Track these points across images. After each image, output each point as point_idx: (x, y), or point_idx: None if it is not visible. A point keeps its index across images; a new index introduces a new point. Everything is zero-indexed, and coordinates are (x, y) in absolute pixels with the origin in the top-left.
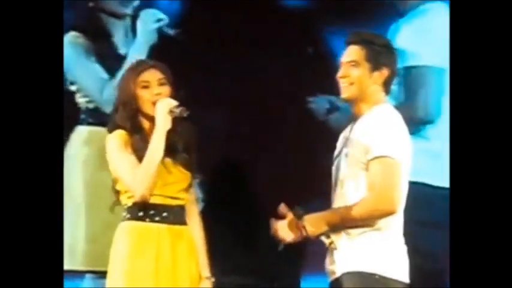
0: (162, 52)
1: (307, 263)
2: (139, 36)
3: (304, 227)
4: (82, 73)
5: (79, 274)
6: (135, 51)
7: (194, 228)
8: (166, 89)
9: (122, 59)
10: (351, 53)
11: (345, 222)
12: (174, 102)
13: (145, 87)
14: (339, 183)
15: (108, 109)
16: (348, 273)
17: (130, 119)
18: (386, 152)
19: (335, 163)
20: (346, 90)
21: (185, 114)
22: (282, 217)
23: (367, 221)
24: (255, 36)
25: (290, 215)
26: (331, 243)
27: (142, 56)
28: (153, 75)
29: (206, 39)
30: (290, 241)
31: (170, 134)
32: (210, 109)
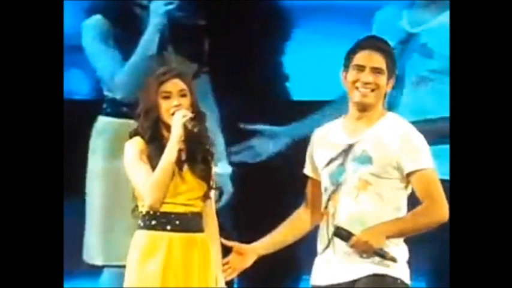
0: (173, 36)
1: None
2: (151, 19)
3: (367, 242)
4: (99, 57)
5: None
6: (147, 35)
7: (212, 237)
8: (186, 101)
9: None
10: (374, 59)
11: (402, 234)
12: (189, 115)
13: (167, 97)
14: (346, 190)
15: (118, 96)
16: (374, 275)
17: (150, 128)
18: (430, 164)
19: (331, 168)
20: (365, 95)
21: (195, 130)
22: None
23: (421, 231)
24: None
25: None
26: (392, 259)
27: (154, 39)
28: (174, 86)
29: (218, 24)
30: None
31: (190, 144)
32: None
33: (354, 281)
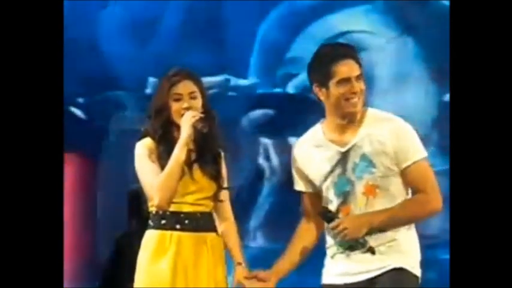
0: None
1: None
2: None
3: (345, 229)
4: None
5: None
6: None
7: (230, 235)
8: (197, 102)
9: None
10: (355, 68)
11: (392, 223)
12: (198, 116)
13: (177, 99)
14: (355, 199)
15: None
16: (393, 270)
17: (161, 128)
18: (423, 154)
19: (332, 181)
20: (355, 105)
21: (204, 130)
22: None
23: (414, 221)
24: None
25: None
26: (370, 249)
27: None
28: (185, 88)
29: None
30: None
31: (200, 145)
32: None
33: (371, 280)
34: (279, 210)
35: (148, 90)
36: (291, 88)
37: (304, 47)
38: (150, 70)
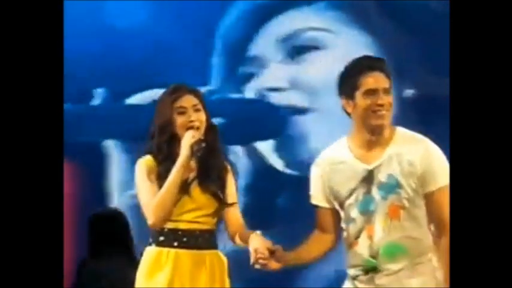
0: None
1: None
2: None
3: None
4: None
5: None
6: None
7: (242, 240)
8: (201, 115)
9: None
10: (382, 81)
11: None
12: (197, 138)
13: (182, 113)
14: (379, 219)
15: None
16: None
17: (165, 143)
18: (445, 180)
19: (357, 198)
20: (382, 118)
21: (199, 154)
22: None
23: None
24: None
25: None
26: None
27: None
28: (189, 101)
29: None
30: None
31: (203, 161)
32: None
33: None
34: (253, 213)
35: (96, 102)
36: (249, 91)
37: (263, 45)
38: (99, 80)
